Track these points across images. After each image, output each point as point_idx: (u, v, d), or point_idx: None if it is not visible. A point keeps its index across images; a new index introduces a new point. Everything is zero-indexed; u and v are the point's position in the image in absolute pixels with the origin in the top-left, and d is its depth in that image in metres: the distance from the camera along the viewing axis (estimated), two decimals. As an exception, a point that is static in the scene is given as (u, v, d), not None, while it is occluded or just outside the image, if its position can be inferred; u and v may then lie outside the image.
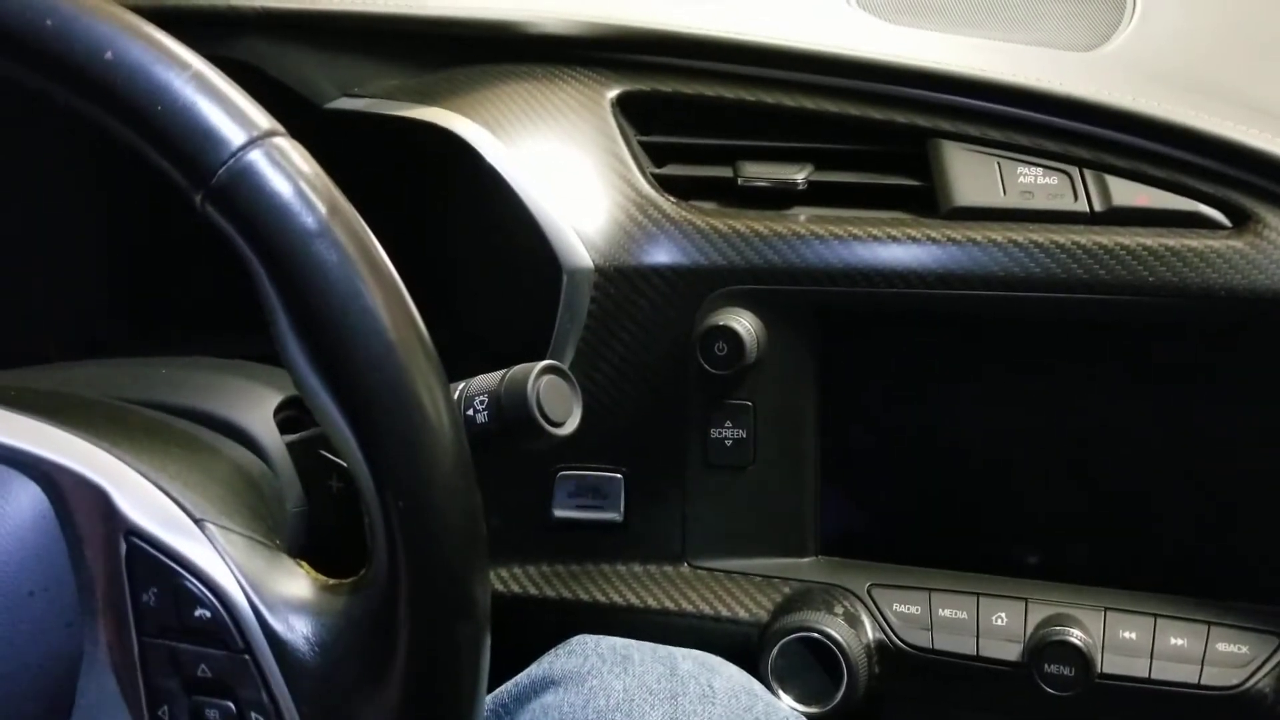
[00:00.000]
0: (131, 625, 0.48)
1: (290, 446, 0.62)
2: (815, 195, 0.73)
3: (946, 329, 0.72)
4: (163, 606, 0.48)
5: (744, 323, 0.71)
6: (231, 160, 0.43)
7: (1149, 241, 0.67)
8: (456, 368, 0.52)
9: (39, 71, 0.44)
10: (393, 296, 0.45)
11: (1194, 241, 0.66)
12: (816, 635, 0.70)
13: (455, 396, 0.55)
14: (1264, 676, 0.67)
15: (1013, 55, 0.72)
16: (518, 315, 0.78)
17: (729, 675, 0.69)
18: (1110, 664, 0.69)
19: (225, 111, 0.44)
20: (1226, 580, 0.70)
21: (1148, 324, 0.69)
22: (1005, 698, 0.71)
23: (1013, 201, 0.69)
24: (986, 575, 0.73)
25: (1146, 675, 0.69)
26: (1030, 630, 0.70)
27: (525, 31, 0.77)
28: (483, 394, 0.55)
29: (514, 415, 0.55)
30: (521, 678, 0.69)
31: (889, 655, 0.72)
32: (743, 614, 0.74)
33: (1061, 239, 0.68)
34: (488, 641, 0.49)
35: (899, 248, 0.70)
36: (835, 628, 0.70)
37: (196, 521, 0.49)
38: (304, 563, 0.51)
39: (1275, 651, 0.68)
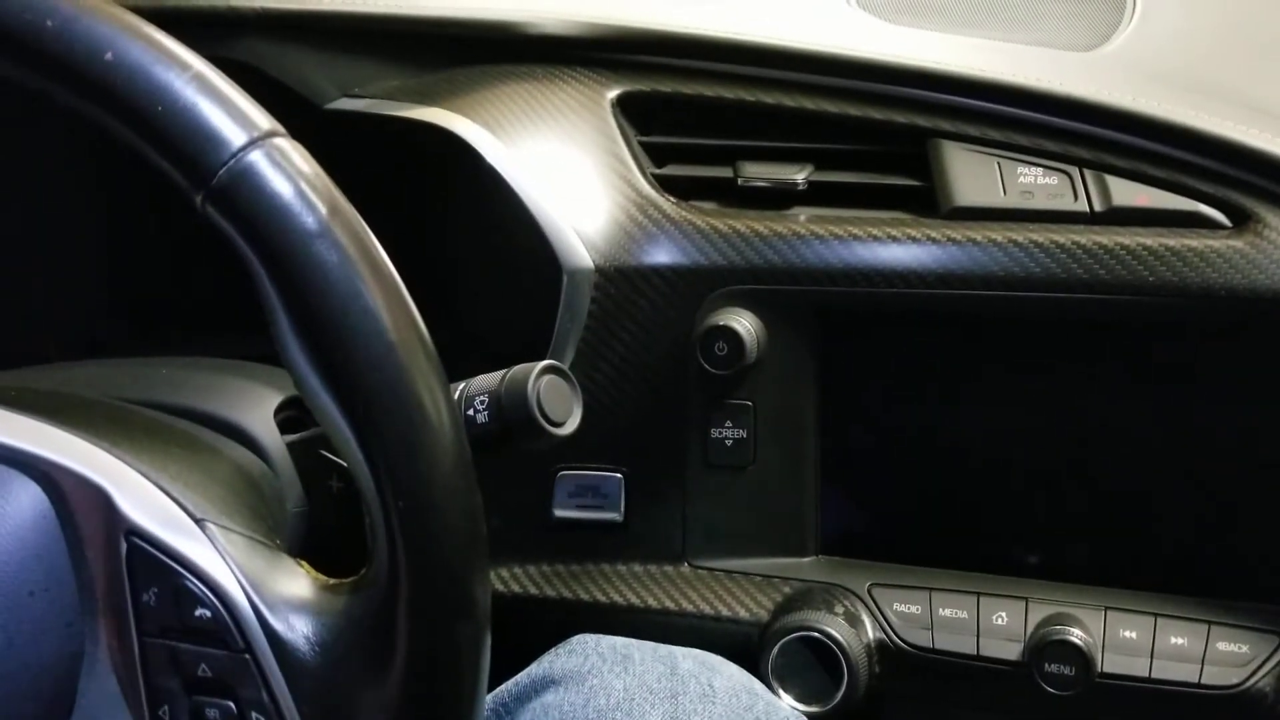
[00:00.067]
0: (132, 625, 0.48)
1: (290, 446, 0.63)
2: (815, 195, 0.73)
3: (946, 329, 0.72)
4: (163, 606, 0.48)
5: (744, 323, 0.71)
6: (232, 161, 0.43)
7: (1149, 241, 0.67)
8: (456, 368, 0.52)
9: (39, 72, 0.44)
10: (393, 297, 0.45)
11: (1194, 241, 0.66)
12: (817, 635, 0.70)
13: (455, 396, 0.55)
14: (1264, 676, 0.67)
15: (1013, 55, 0.72)
16: (518, 315, 0.78)
17: (729, 674, 0.69)
18: (1110, 663, 0.69)
19: (226, 112, 0.44)
20: (1226, 580, 0.70)
21: (1148, 324, 0.69)
22: (1006, 697, 0.71)
23: (1013, 201, 0.69)
24: (987, 575, 0.73)
25: (1147, 674, 0.69)
26: (1030, 630, 0.70)
27: (525, 32, 0.77)
28: (483, 394, 0.55)
29: (514, 415, 0.55)
30: (522, 677, 0.69)
31: (889, 655, 0.72)
32: (743, 613, 0.74)
33: (1061, 239, 0.68)
34: (488, 641, 0.49)
35: (899, 248, 0.70)
36: (835, 627, 0.70)
37: (197, 521, 0.49)
38: (304, 562, 0.51)
39: (1275, 651, 0.68)
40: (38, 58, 0.43)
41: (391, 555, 0.46)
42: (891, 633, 0.72)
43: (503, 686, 0.69)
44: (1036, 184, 0.69)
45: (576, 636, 0.72)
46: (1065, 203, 0.69)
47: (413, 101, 0.76)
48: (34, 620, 0.47)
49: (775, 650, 0.71)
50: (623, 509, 0.75)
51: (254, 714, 0.47)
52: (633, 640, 0.71)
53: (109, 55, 0.43)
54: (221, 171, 0.43)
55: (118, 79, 0.43)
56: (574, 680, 0.66)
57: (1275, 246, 0.65)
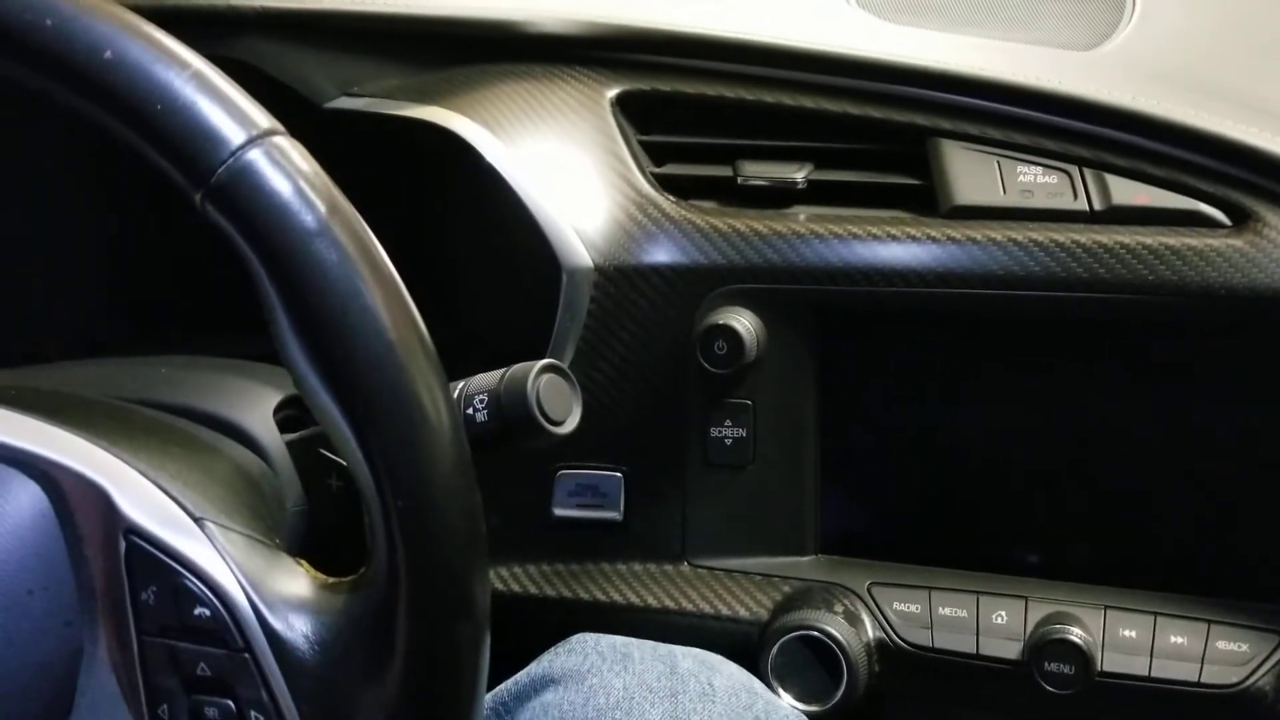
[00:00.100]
0: (131, 624, 0.48)
1: (290, 445, 0.63)
2: (815, 194, 0.73)
3: (946, 328, 0.72)
4: (162, 605, 0.48)
5: (744, 322, 0.71)
6: (231, 159, 0.43)
7: (1149, 240, 0.67)
8: (456, 367, 0.52)
9: (39, 71, 0.44)
10: (392, 296, 0.45)
11: (1194, 240, 0.66)
12: (816, 634, 0.70)
13: (455, 396, 0.55)
14: (1264, 674, 0.67)
15: (1012, 54, 0.72)
16: (517, 314, 0.78)
17: (729, 673, 0.69)
18: (1110, 662, 0.69)
19: (225, 111, 0.44)
20: (1226, 579, 0.70)
21: (1147, 323, 0.69)
22: (1005, 696, 0.71)
23: (1012, 200, 0.69)
24: (986, 574, 0.73)
25: (1146, 673, 0.69)
26: (1030, 628, 0.70)
27: (525, 31, 0.77)
28: (482, 393, 0.55)
29: (514, 414, 0.55)
30: (521, 676, 0.69)
31: (889, 654, 0.72)
32: (743, 612, 0.74)
33: (1061, 238, 0.68)
34: (487, 640, 0.49)
35: (899, 247, 0.70)
36: (835, 626, 0.70)
37: (196, 520, 0.49)
38: (304, 561, 0.51)
39: (1275, 649, 0.68)
40: (37, 56, 0.43)
41: (391, 554, 0.46)
42: (891, 632, 0.72)
43: (502, 685, 0.69)
44: (1036, 183, 0.69)
45: (576, 635, 0.72)
46: (1065, 202, 0.69)
47: (412, 100, 0.76)
48: (33, 619, 0.47)
49: (775, 649, 0.71)
50: (622, 508, 0.75)
51: (253, 713, 0.47)
52: (632, 639, 0.71)
53: (108, 54, 0.43)
54: (220, 170, 0.43)
55: (117, 78, 0.43)
56: (574, 679, 0.66)
57: (1275, 245, 0.65)
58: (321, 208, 0.44)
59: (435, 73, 0.78)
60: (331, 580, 0.49)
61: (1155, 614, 0.69)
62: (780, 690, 0.71)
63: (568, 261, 0.73)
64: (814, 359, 0.73)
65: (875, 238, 0.70)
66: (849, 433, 0.74)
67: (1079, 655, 0.68)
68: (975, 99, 0.70)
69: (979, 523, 0.73)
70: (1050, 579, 0.72)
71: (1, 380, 0.65)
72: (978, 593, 0.72)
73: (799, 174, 0.73)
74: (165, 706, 0.48)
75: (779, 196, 0.73)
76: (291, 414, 0.64)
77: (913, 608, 0.72)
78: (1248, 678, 0.68)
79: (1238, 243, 0.66)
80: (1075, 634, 0.68)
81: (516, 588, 0.77)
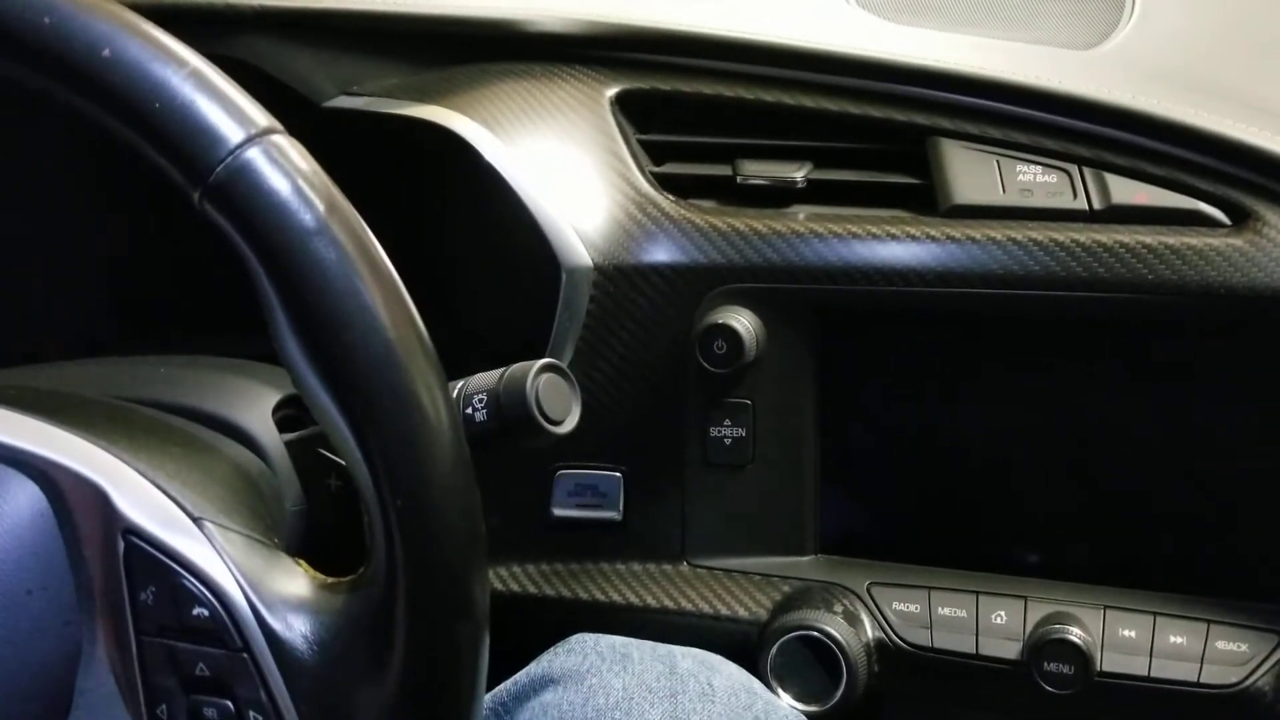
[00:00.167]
0: (130, 624, 0.48)
1: (289, 445, 0.62)
2: (814, 193, 0.73)
3: (946, 328, 0.72)
4: (161, 605, 0.48)
5: (743, 321, 0.71)
6: (229, 158, 0.43)
7: (1148, 239, 0.67)
8: (455, 366, 0.52)
9: (37, 70, 0.44)
10: (391, 295, 0.45)
11: (1193, 239, 0.66)
12: (816, 634, 0.70)
13: (454, 395, 0.55)
14: (1263, 674, 0.67)
15: (1012, 53, 0.72)
16: (517, 314, 0.78)
17: (729, 673, 0.69)
18: (1110, 662, 0.69)
19: (223, 109, 0.44)
20: (1226, 579, 0.70)
21: (1147, 322, 0.69)
22: (1005, 696, 0.71)
23: (1012, 199, 0.69)
24: (986, 574, 0.73)
25: (1146, 673, 0.69)
26: (1030, 628, 0.70)
27: (524, 30, 0.77)
28: (481, 392, 0.55)
29: (513, 414, 0.55)
30: (521, 676, 0.69)
31: (888, 654, 0.72)
32: (742, 612, 0.74)
33: (1061, 237, 0.68)
34: (486, 640, 0.49)
35: (898, 246, 0.70)
36: (835, 626, 0.70)
37: (195, 520, 0.49)
38: (302, 561, 0.51)
39: (1275, 649, 0.68)
40: (35, 55, 0.43)
41: (390, 554, 0.45)
42: (890, 632, 0.72)
43: (502, 686, 0.69)
44: (1036, 182, 0.69)
45: (575, 635, 0.72)
46: (1064, 201, 0.69)
47: (411, 99, 0.76)
48: (32, 619, 0.47)
49: (774, 649, 0.71)
50: (622, 508, 0.75)
51: (252, 713, 0.47)
52: (632, 639, 0.71)
53: (106, 52, 0.43)
54: (219, 169, 0.43)
55: (115, 76, 0.43)
56: (573, 679, 0.66)
57: (1275, 245, 0.65)
58: (320, 207, 0.44)
59: (435, 72, 0.78)
60: (330, 580, 0.49)
61: (1155, 614, 0.69)
62: (780, 690, 0.71)
63: (567, 261, 0.72)
64: (814, 358, 0.73)
65: (875, 237, 0.70)
66: (849, 432, 0.74)
67: (1078, 655, 0.68)
68: (975, 98, 0.70)
69: (979, 523, 0.73)
70: (1050, 579, 0.72)
71: (1, 380, 0.65)
72: (977, 593, 0.72)
73: (798, 173, 0.73)
74: (164, 706, 0.48)
75: (778, 196, 0.73)
76: (290, 413, 0.64)
77: (912, 608, 0.72)
78: (1247, 678, 0.67)
79: (1237, 242, 0.66)
80: (1075, 634, 0.68)
81: (516, 587, 0.77)
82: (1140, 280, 0.67)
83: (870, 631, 0.72)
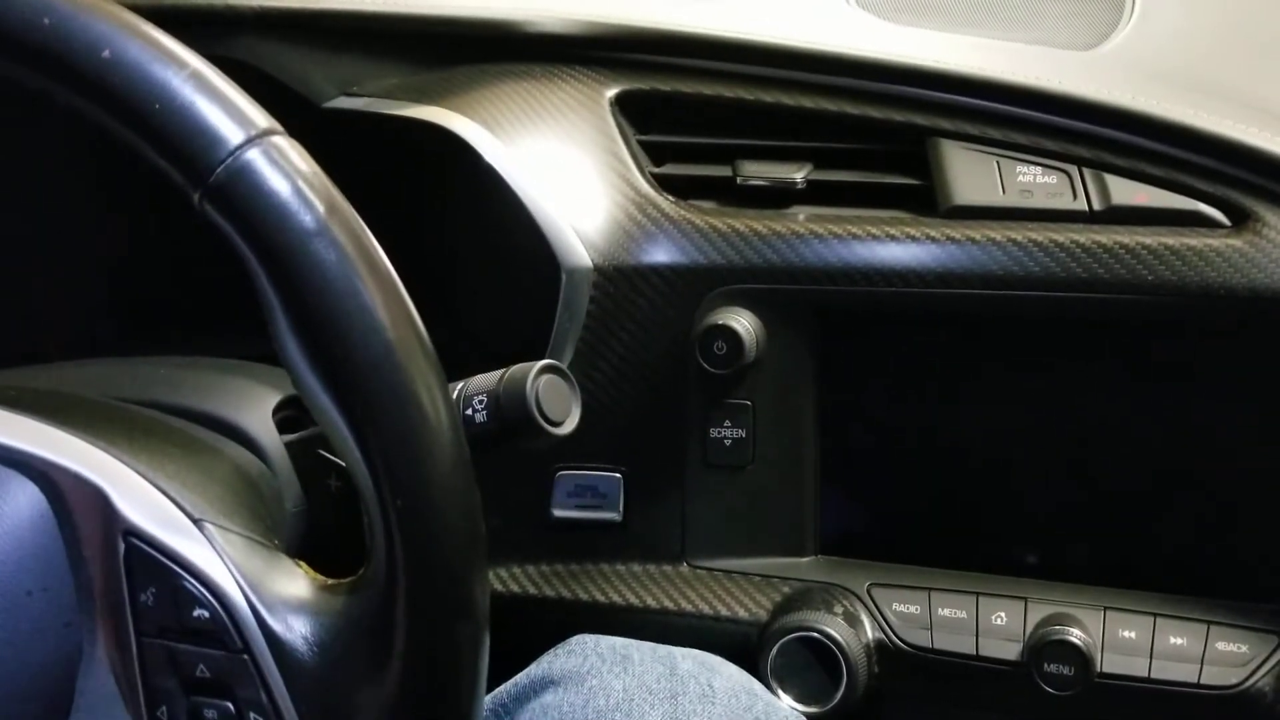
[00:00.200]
0: (130, 625, 0.48)
1: (289, 446, 0.62)
2: (814, 194, 0.73)
3: (946, 328, 0.72)
4: (161, 606, 0.48)
5: (743, 322, 0.71)
6: (230, 159, 0.43)
7: (1148, 240, 0.67)
8: (455, 367, 0.52)
9: (37, 70, 0.44)
10: (391, 296, 0.45)
11: (1193, 240, 0.66)
12: (816, 635, 0.70)
13: (454, 396, 0.55)
14: (1264, 675, 0.67)
15: (1012, 54, 0.72)
16: (517, 315, 0.78)
17: (729, 675, 0.69)
18: (1110, 663, 0.69)
19: (223, 110, 0.44)
20: (1226, 580, 0.70)
21: (1147, 323, 0.69)
22: (1005, 697, 0.71)
23: (1012, 200, 0.69)
24: (986, 575, 0.73)
25: (1146, 674, 0.69)
26: (1030, 629, 0.70)
27: (524, 31, 0.77)
28: (482, 393, 0.55)
29: (513, 415, 0.55)
30: (521, 677, 0.69)
31: (888, 655, 0.72)
32: (742, 614, 0.74)
33: (1060, 238, 0.68)
34: (487, 641, 0.49)
35: (898, 247, 0.70)
36: (835, 627, 0.70)
37: (195, 521, 0.49)
38: (303, 562, 0.51)
39: (1275, 650, 0.68)
40: (35, 56, 0.43)
41: (390, 555, 0.45)
42: (891, 633, 0.72)
43: (502, 687, 0.69)
44: (1035, 183, 0.69)
45: (576, 637, 0.72)
46: (1064, 202, 0.69)
47: (411, 100, 0.76)
48: (32, 620, 0.47)
49: (774, 650, 0.71)
50: (622, 509, 0.75)
51: (252, 714, 0.47)
52: (632, 640, 0.71)
53: (106, 53, 0.43)
54: (219, 170, 0.43)
55: (115, 77, 0.43)
56: (573, 680, 0.66)
57: (1274, 246, 0.65)
58: (320, 208, 0.44)
59: (435, 72, 0.78)
60: (330, 581, 0.49)
61: (1155, 615, 0.69)
62: (780, 691, 0.71)
63: (567, 261, 0.72)
64: (814, 359, 0.73)
65: (875, 238, 0.70)
66: (849, 433, 0.74)
67: (1078, 656, 0.68)
68: (975, 99, 0.70)
69: (979, 523, 0.73)
70: (1050, 580, 0.72)
71: (1, 380, 0.65)
72: (977, 594, 0.72)
73: (798, 174, 0.73)
74: (164, 708, 0.48)
75: (778, 196, 0.73)
76: (291, 414, 0.64)
77: (912, 608, 0.72)
78: (1247, 679, 0.67)
79: (1237, 243, 0.66)
80: (1075, 635, 0.68)
81: (516, 588, 0.77)
82: (1140, 281, 0.67)
83: (870, 632, 0.72)
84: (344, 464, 0.46)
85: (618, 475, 0.75)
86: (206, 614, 0.47)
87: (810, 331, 0.73)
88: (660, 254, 0.72)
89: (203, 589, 0.47)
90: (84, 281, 0.93)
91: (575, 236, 0.72)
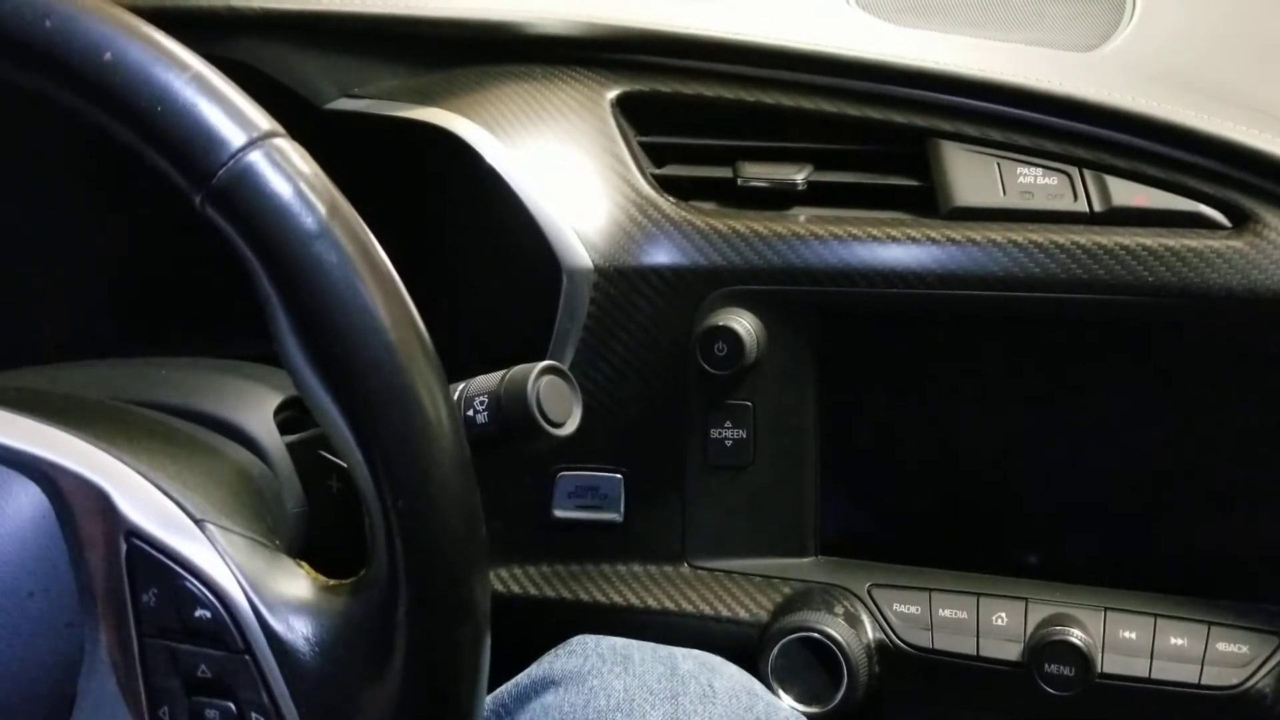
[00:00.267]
0: (132, 626, 0.48)
1: (290, 447, 0.62)
2: (815, 195, 0.73)
3: (947, 329, 0.72)
4: (163, 607, 0.48)
5: (744, 323, 0.71)
6: (231, 161, 0.43)
7: (1149, 241, 0.67)
8: (456, 368, 0.52)
9: (38, 72, 0.44)
10: (392, 297, 0.45)
11: (1194, 241, 0.66)
12: (817, 635, 0.70)
13: (455, 397, 0.55)
14: (1264, 676, 0.67)
15: (1012, 55, 0.72)
16: (518, 315, 0.78)
17: (729, 675, 0.69)
18: (1110, 664, 0.69)
19: (225, 112, 0.44)
20: (1226, 580, 0.70)
21: (1147, 323, 0.69)
22: (1005, 697, 0.71)
23: (1012, 201, 0.69)
24: (987, 575, 0.73)
25: (1147, 675, 0.69)
26: (1030, 630, 0.70)
27: (525, 32, 0.77)
28: (483, 394, 0.55)
29: (514, 416, 0.55)
30: (522, 678, 0.69)
31: (889, 655, 0.72)
32: (743, 614, 0.74)
33: (1061, 239, 0.68)
34: (488, 642, 0.49)
35: (899, 248, 0.70)
36: (835, 628, 0.70)
37: (197, 522, 0.49)
38: (304, 563, 0.51)
39: (1275, 651, 0.68)
40: (36, 58, 0.43)
41: (391, 556, 0.46)
42: (891, 633, 0.72)
43: (503, 687, 0.69)
44: (1036, 184, 0.69)
45: (576, 637, 0.72)
46: (1065, 203, 0.69)
47: (412, 102, 0.76)
48: (33, 621, 0.47)
49: (775, 651, 0.71)
50: (622, 509, 0.75)
51: (253, 714, 0.47)
52: (633, 641, 0.71)
53: (108, 55, 0.43)
54: (221, 172, 0.43)
55: (116, 79, 0.43)
56: (574, 681, 0.66)
57: (1275, 246, 0.65)
58: (322, 209, 0.44)
59: (435, 74, 0.78)
60: (332, 582, 0.49)
61: (1155, 616, 0.69)
62: (780, 692, 0.71)
63: (568, 262, 0.73)
64: (814, 360, 0.73)
65: (875, 239, 0.70)
66: (849, 434, 0.74)
67: (1079, 657, 0.68)
68: (975, 100, 0.70)
69: (979, 523, 0.73)
70: (1050, 580, 0.72)
71: (1, 380, 0.65)
72: (978, 594, 0.72)
73: (799, 175, 0.73)
74: (166, 708, 0.48)
75: (779, 198, 0.73)
76: (292, 415, 0.64)
77: (913, 609, 0.72)
78: (1248, 679, 0.68)
79: (1237, 244, 0.66)
80: (1075, 636, 0.68)
81: (517, 589, 0.77)
82: (1140, 282, 0.67)
83: (871, 633, 0.72)
84: (345, 465, 0.46)
85: (619, 476, 0.75)
86: (208, 614, 0.47)
87: (811, 332, 0.73)
88: (661, 255, 0.72)
89: (204, 589, 0.48)
90: (84, 281, 0.93)
91: (576, 237, 0.72)
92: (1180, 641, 0.69)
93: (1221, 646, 0.68)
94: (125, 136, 0.44)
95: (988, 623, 0.71)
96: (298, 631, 0.47)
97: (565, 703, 0.65)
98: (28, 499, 0.48)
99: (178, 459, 0.52)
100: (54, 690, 0.48)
